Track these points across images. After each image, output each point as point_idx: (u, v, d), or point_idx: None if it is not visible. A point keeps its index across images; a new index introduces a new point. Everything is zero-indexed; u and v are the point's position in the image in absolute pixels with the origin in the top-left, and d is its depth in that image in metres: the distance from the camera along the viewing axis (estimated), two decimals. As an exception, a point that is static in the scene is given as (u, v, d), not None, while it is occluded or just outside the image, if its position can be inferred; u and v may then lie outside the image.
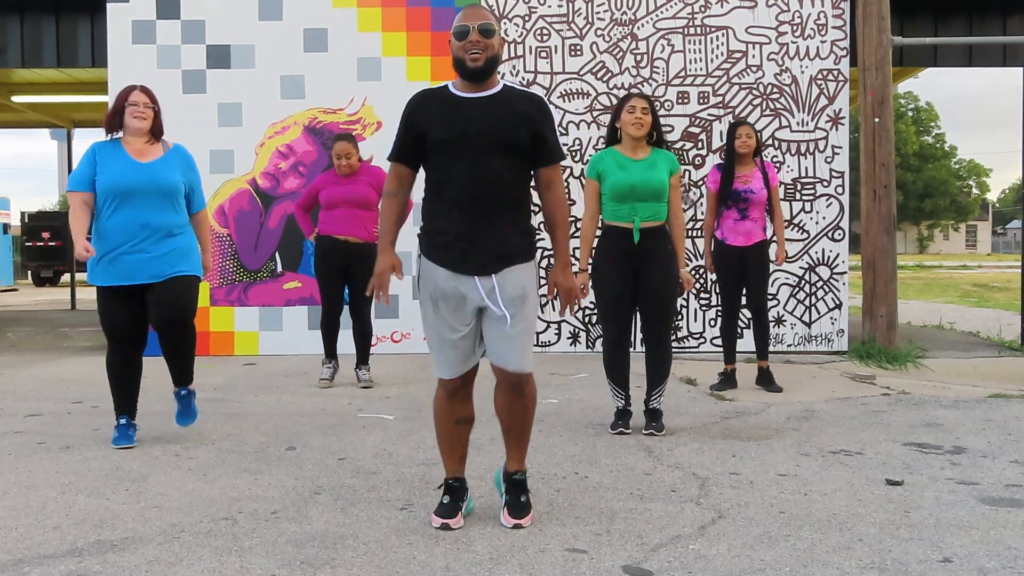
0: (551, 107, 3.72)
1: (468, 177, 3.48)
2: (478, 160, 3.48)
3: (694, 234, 9.02)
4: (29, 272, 27.47)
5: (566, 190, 8.92)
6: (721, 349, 7.16)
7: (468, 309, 3.55)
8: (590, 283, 5.31)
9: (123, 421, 5.02)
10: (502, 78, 3.76)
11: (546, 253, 8.31)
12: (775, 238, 6.78)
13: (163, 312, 4.89)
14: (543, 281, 7.88)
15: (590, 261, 5.34)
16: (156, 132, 5.00)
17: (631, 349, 5.41)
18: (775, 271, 6.94)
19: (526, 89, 3.73)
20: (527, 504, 3.66)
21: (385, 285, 3.59)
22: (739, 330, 7.08)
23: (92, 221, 4.88)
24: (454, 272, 3.52)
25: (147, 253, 4.83)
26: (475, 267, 3.51)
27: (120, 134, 4.97)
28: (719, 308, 7.29)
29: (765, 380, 6.79)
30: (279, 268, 9.13)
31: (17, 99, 12.83)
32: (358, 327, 7.09)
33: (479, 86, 3.56)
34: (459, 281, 3.52)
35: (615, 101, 8.96)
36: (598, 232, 5.40)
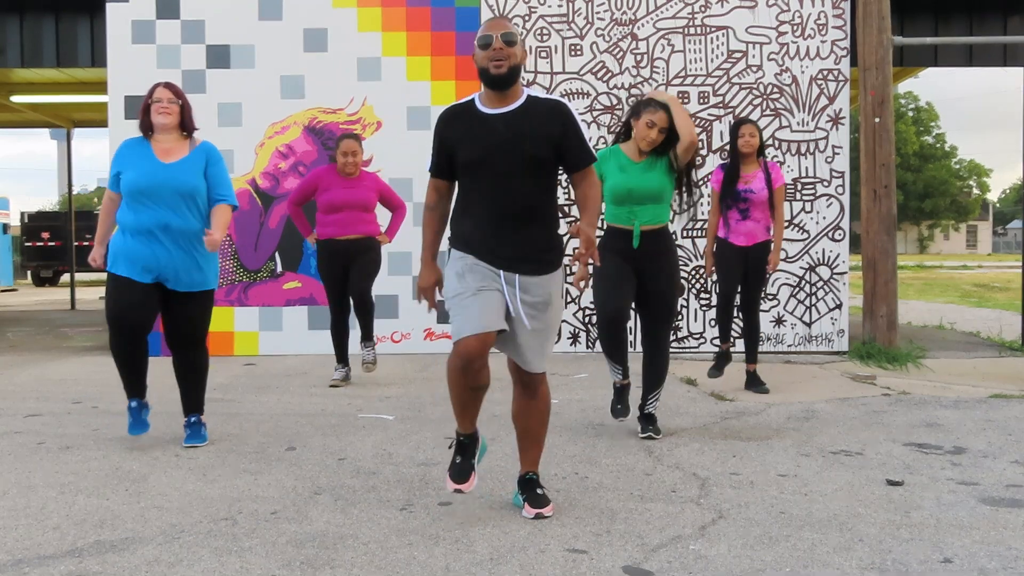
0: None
1: (495, 192, 3.63)
2: (503, 176, 3.61)
3: (695, 234, 9.02)
4: (29, 272, 27.47)
5: None
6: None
7: (493, 282, 3.63)
8: (590, 279, 5.28)
9: (134, 404, 4.97)
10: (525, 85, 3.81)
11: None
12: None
13: (181, 336, 5.00)
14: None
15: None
16: (186, 127, 4.98)
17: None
18: (771, 273, 6.91)
19: (550, 97, 3.77)
20: (544, 496, 3.78)
21: (431, 299, 3.77)
22: (733, 334, 7.04)
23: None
24: (484, 262, 3.66)
25: (168, 255, 4.82)
26: (503, 264, 3.64)
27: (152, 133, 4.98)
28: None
29: (754, 383, 6.78)
30: (279, 268, 9.13)
31: (17, 99, 12.83)
32: (358, 302, 7.02)
33: (503, 98, 3.67)
34: (491, 268, 3.66)
35: (615, 101, 8.99)
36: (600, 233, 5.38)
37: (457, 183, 3.77)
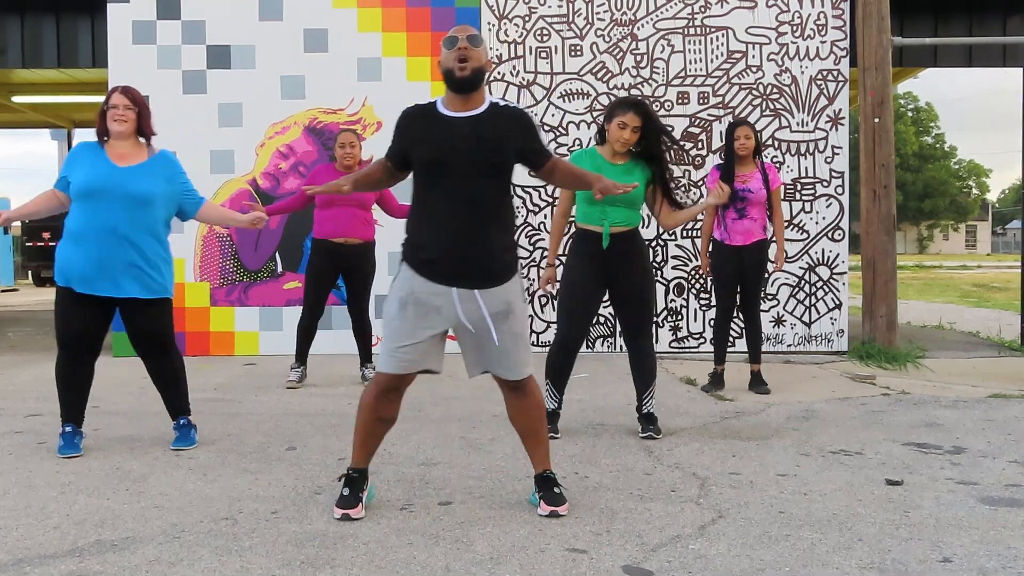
0: (536, 117, 3.87)
1: (451, 195, 3.62)
2: (461, 180, 3.62)
3: (695, 234, 9.03)
4: (29, 272, 27.42)
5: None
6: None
7: (434, 321, 3.67)
8: (557, 280, 5.28)
9: (68, 429, 4.81)
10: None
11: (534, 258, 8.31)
12: (775, 239, 6.78)
13: (146, 345, 4.88)
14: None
15: (560, 256, 5.32)
16: (143, 134, 4.86)
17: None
18: (774, 270, 6.93)
19: (510, 105, 3.81)
20: (561, 495, 3.80)
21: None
22: (732, 334, 7.05)
23: (63, 218, 4.84)
24: (434, 283, 3.64)
25: (114, 259, 4.66)
26: (455, 280, 3.64)
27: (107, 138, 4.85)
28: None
29: (757, 383, 6.79)
30: (279, 268, 9.13)
31: (17, 99, 12.84)
32: (358, 326, 7.09)
33: (466, 102, 3.69)
34: (436, 292, 3.65)
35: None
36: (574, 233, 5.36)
37: (413, 185, 3.77)
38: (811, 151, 9.12)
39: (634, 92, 8.99)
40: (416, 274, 3.67)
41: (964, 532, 3.53)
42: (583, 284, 5.15)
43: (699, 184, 9.02)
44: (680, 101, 9.07)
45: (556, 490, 3.81)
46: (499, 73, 9.03)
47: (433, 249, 3.64)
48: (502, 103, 3.78)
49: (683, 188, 9.04)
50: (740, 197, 6.50)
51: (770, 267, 7.41)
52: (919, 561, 3.22)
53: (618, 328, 5.45)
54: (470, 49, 3.62)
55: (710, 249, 6.76)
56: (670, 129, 5.23)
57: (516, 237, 3.90)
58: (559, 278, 5.29)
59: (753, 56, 9.09)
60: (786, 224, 9.02)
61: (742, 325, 6.90)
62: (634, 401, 5.41)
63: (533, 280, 8.96)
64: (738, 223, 6.55)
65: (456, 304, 3.64)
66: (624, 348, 5.48)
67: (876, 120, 8.76)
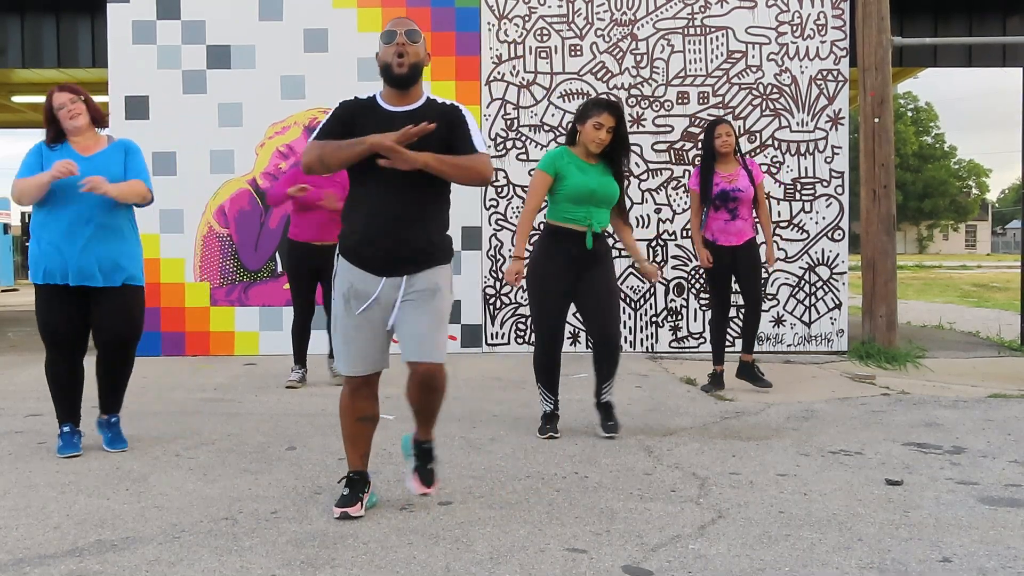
0: (470, 113, 3.82)
1: (385, 189, 3.63)
2: (394, 173, 3.60)
3: (684, 235, 9.02)
4: (29, 272, 27.46)
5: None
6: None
7: (378, 311, 3.69)
8: (525, 276, 5.26)
9: (67, 429, 4.84)
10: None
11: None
12: (763, 237, 6.76)
13: (109, 334, 4.82)
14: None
15: (528, 251, 5.31)
16: (98, 121, 4.87)
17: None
18: (774, 270, 6.93)
19: (446, 101, 3.82)
20: (433, 472, 3.88)
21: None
22: (729, 333, 7.04)
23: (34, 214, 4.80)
24: (369, 273, 3.67)
25: (89, 252, 4.67)
26: (386, 270, 3.66)
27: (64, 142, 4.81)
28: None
29: (749, 375, 6.75)
30: (279, 268, 9.13)
31: (17, 99, 12.84)
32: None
33: (404, 97, 3.73)
34: (372, 282, 3.67)
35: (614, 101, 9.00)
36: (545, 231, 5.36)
37: (349, 179, 3.78)
38: (811, 151, 9.12)
39: (634, 92, 9.00)
40: (352, 265, 3.70)
41: (964, 532, 3.53)
42: (558, 286, 5.20)
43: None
44: (680, 101, 9.07)
45: (430, 466, 3.85)
46: (499, 73, 9.03)
47: (366, 239, 3.65)
48: (439, 100, 3.80)
49: (683, 188, 9.04)
50: (731, 198, 6.49)
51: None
52: (919, 561, 3.22)
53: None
54: (408, 45, 3.67)
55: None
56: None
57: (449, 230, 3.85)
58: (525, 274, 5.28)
59: (753, 56, 9.09)
60: (786, 224, 9.03)
61: (740, 325, 6.90)
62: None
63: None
64: (731, 224, 6.54)
65: (387, 288, 3.64)
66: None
67: (876, 120, 8.77)
